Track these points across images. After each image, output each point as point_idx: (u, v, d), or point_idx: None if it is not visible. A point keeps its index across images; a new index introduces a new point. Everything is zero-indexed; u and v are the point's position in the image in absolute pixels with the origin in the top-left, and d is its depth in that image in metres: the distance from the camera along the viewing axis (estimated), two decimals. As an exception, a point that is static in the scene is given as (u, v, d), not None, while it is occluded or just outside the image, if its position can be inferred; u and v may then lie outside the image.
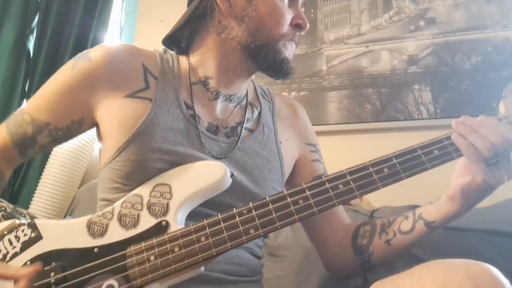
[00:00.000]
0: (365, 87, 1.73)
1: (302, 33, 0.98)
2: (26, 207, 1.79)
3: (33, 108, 0.89)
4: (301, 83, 1.83)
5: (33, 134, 0.88)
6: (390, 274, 0.67)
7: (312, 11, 1.87)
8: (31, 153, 0.91)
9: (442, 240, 1.15)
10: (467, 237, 1.13)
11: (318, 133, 1.72)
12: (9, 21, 1.98)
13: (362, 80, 1.74)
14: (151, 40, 2.08)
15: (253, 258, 0.90)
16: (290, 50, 0.92)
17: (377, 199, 1.48)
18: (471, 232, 1.13)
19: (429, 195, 1.47)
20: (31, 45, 2.04)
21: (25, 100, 1.99)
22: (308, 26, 0.93)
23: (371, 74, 1.73)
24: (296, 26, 0.91)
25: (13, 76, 1.95)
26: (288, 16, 0.90)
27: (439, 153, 0.76)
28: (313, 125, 1.72)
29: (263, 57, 0.89)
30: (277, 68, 0.91)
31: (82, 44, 1.97)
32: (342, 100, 1.75)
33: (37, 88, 2.07)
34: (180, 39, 0.98)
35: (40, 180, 1.84)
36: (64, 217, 1.81)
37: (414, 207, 1.29)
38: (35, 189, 1.83)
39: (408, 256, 1.14)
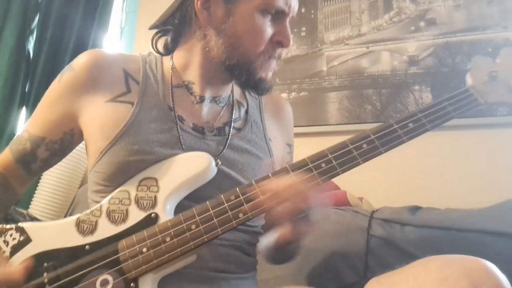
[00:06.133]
0: (366, 88, 1.72)
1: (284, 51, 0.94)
2: (26, 207, 1.79)
3: (30, 125, 0.92)
4: (301, 84, 1.82)
5: (32, 149, 0.90)
6: (386, 271, 0.66)
7: (312, 11, 1.87)
8: (35, 168, 0.92)
9: (442, 241, 1.15)
10: (467, 237, 1.12)
11: (318, 134, 1.74)
12: (9, 22, 1.99)
13: (362, 81, 1.73)
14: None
15: (244, 256, 0.90)
16: (267, 69, 0.89)
17: (377, 199, 1.47)
18: (471, 232, 1.13)
19: (429, 195, 1.47)
20: (31, 46, 2.05)
21: (24, 101, 2.00)
22: (290, 44, 0.88)
23: (371, 74, 1.72)
24: (278, 42, 0.87)
25: (13, 77, 1.96)
26: (268, 33, 0.86)
27: (414, 125, 0.79)
28: (313, 125, 1.74)
29: (237, 76, 0.89)
30: (252, 87, 0.91)
31: (82, 44, 1.97)
32: (343, 101, 1.74)
33: (37, 89, 2.05)
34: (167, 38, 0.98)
35: (40, 180, 1.84)
36: (64, 217, 1.80)
37: (414, 208, 1.29)
38: (35, 189, 1.83)
39: (406, 255, 1.13)
